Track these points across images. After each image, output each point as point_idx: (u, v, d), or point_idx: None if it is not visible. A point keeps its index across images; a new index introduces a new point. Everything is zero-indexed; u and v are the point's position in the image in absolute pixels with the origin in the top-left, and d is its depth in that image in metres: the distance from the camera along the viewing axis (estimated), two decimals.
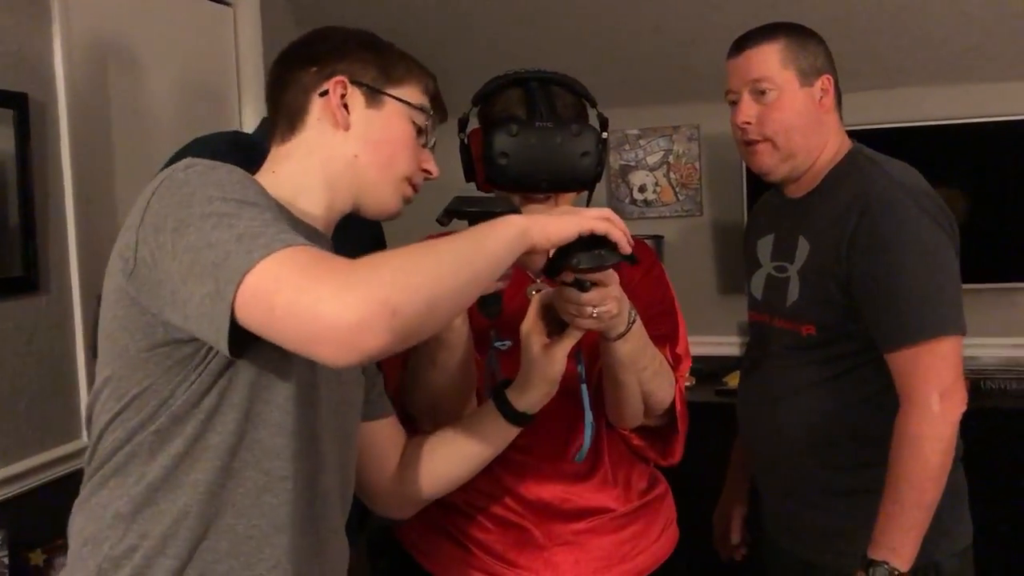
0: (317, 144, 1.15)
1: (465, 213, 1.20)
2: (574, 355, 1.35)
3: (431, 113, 1.20)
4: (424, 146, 1.21)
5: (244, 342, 0.92)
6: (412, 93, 1.18)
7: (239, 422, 1.02)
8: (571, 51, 2.81)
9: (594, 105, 1.41)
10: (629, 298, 1.45)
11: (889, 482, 1.49)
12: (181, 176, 0.97)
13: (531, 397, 1.31)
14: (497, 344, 1.38)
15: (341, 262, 0.90)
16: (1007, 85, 2.88)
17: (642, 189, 3.20)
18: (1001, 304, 2.92)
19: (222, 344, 0.90)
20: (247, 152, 1.21)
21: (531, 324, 1.30)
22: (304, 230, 1.12)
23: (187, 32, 2.32)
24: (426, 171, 1.21)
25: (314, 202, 1.15)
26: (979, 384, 2.77)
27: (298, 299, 0.85)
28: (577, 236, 1.09)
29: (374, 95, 1.15)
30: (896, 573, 1.47)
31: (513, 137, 1.31)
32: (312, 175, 1.14)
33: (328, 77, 1.14)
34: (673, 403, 1.46)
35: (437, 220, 1.22)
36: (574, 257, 1.15)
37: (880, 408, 1.55)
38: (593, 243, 1.14)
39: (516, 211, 1.18)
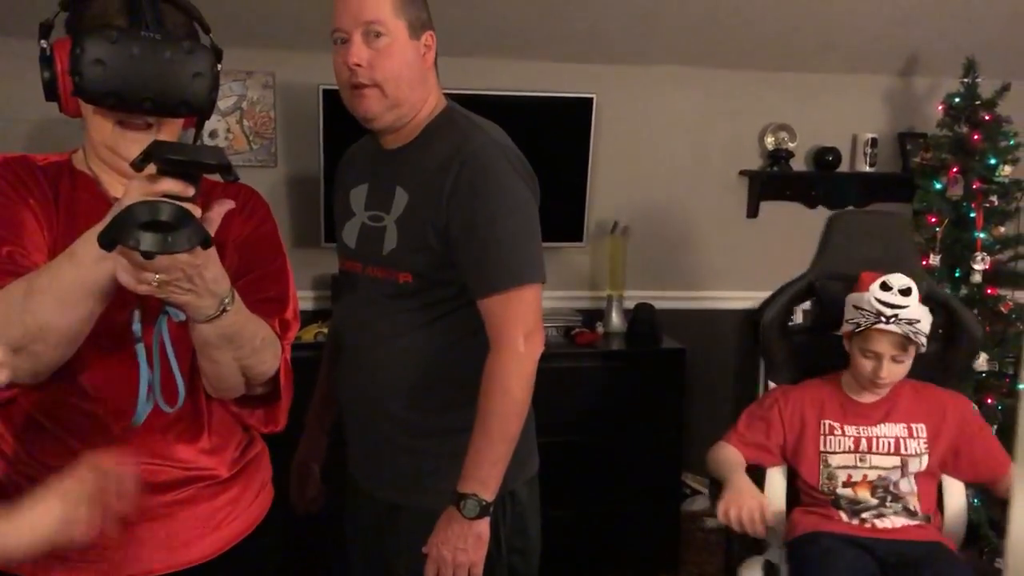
0: None
1: (168, 160, 1.03)
2: (129, 311, 1.24)
3: None
4: None
5: None
6: None
7: None
8: None
9: (208, 31, 1.28)
10: (238, 253, 1.36)
11: (479, 419, 1.58)
12: None
13: None
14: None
15: None
16: (553, 65, 3.22)
17: (213, 135, 3.02)
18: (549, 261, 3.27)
19: None
20: None
21: None
22: None
23: None
24: None
25: None
26: None
27: None
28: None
29: None
30: (484, 503, 1.57)
31: (112, 44, 1.12)
32: None
33: None
34: (278, 372, 1.39)
35: (131, 164, 1.04)
36: (132, 236, 1.01)
37: (470, 351, 1.64)
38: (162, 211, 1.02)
39: (228, 165, 1.04)
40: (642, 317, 3.25)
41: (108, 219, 1.06)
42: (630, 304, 3.32)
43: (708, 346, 3.51)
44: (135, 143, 1.21)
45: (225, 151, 1.09)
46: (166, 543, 1.35)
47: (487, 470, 1.58)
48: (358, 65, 1.56)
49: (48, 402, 1.29)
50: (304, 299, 3.08)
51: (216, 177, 1.12)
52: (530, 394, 1.62)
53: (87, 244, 1.12)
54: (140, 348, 1.25)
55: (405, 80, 1.59)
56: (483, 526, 1.59)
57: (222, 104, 3.02)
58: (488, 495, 1.58)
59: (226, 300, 1.20)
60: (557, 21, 3.02)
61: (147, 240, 1.01)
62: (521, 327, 1.58)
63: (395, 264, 1.66)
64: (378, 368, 1.70)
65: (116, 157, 1.28)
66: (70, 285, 1.14)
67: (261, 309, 1.35)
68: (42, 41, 1.21)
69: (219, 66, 1.26)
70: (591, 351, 3.16)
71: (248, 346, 1.29)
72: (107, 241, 1.03)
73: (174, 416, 1.34)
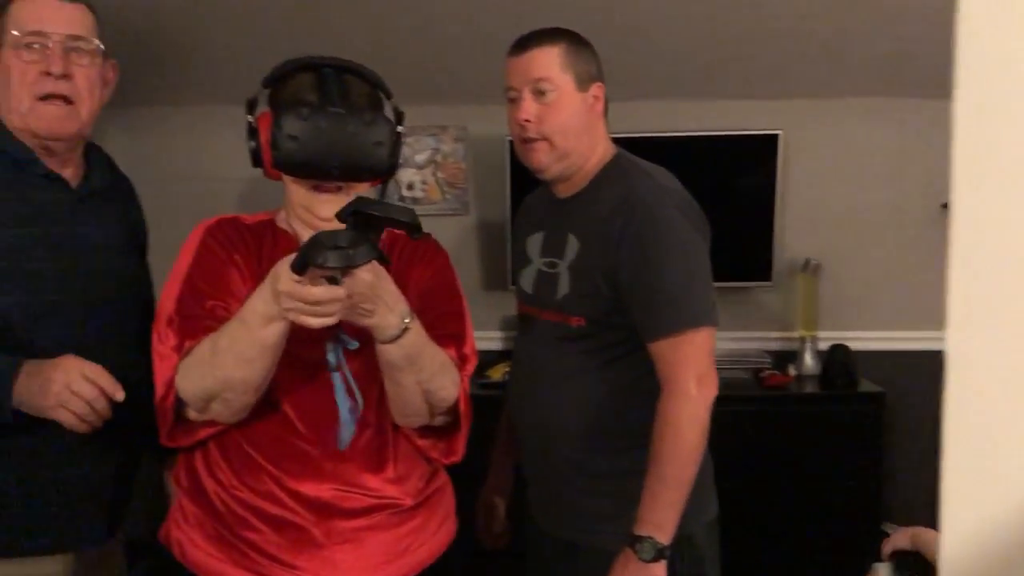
0: None
1: (366, 216, 1.17)
2: (324, 343, 1.36)
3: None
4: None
5: None
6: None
7: None
8: (339, 49, 2.77)
9: (389, 97, 1.41)
10: (418, 296, 1.47)
11: (652, 462, 1.59)
12: None
13: None
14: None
15: None
16: (737, 102, 3.19)
17: (410, 187, 3.22)
18: (729, 301, 3.22)
19: None
20: None
21: None
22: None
23: None
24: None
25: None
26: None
27: None
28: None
29: None
30: (660, 547, 1.58)
31: (304, 120, 1.27)
32: None
33: None
34: (457, 401, 1.48)
35: (336, 216, 1.20)
36: (320, 255, 1.15)
37: (642, 393, 1.65)
38: (345, 233, 1.15)
39: (417, 224, 1.17)
40: (837, 359, 3.12)
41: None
42: (824, 345, 3.20)
43: (910, 389, 3.30)
44: (328, 204, 1.35)
45: (415, 212, 1.21)
46: (357, 565, 1.44)
47: (662, 513, 1.58)
48: (528, 121, 1.64)
49: (255, 433, 1.44)
50: (493, 339, 3.19)
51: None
52: (704, 437, 1.61)
53: (253, 310, 1.27)
54: (337, 376, 1.38)
55: (572, 132, 1.66)
56: (659, 569, 1.59)
57: (418, 158, 3.21)
58: (664, 538, 1.58)
59: (407, 319, 1.31)
60: (739, 59, 3.00)
61: (332, 257, 1.14)
62: (692, 370, 1.59)
63: (568, 309, 1.71)
64: (552, 410, 1.75)
65: (312, 216, 1.42)
66: (245, 345, 1.29)
67: (440, 343, 1.44)
68: (248, 116, 1.37)
69: (400, 128, 1.37)
70: (781, 394, 3.07)
71: (428, 369, 1.39)
72: (299, 264, 1.17)
73: (363, 446, 1.45)
